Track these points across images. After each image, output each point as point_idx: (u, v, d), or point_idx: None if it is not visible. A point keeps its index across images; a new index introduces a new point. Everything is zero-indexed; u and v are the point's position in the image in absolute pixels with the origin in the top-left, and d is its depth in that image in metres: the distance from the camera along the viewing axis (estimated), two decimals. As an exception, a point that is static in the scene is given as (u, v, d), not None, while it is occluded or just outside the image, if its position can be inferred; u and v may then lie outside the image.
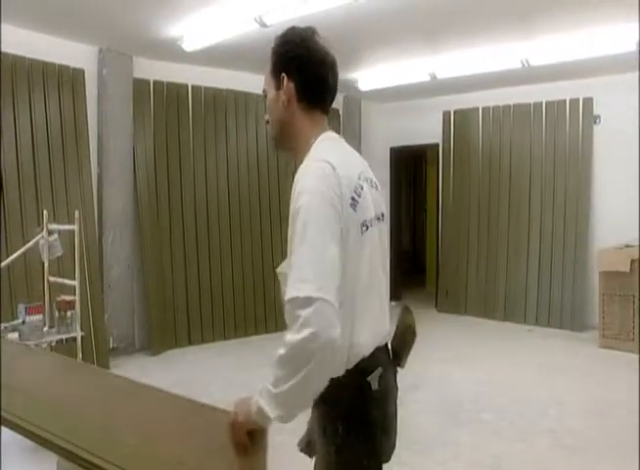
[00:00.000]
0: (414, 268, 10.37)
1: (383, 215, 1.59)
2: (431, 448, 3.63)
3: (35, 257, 4.35)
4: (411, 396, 4.66)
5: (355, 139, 8.37)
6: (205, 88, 6.46)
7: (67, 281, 4.19)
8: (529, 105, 7.23)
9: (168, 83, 6.18)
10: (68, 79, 5.39)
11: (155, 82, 6.10)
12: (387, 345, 1.57)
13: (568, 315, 6.90)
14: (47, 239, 4.04)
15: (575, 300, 6.87)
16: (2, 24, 4.51)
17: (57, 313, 4.04)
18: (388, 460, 1.56)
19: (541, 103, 7.13)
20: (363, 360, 1.45)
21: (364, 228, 1.45)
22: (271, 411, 1.28)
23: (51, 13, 4.72)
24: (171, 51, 5.63)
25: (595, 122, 6.83)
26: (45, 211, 4.23)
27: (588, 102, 6.84)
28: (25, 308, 3.85)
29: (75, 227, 4.10)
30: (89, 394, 1.84)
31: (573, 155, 6.95)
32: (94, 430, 1.75)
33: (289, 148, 1.61)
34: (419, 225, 10.79)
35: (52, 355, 2.69)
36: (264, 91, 1.62)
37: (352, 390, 1.43)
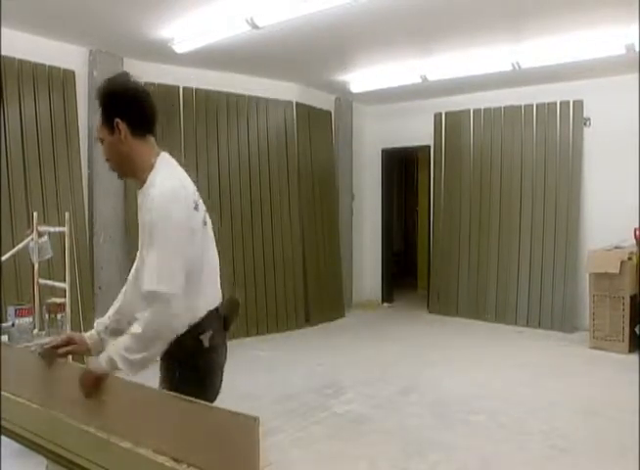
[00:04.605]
0: (406, 270, 10.39)
1: (206, 222, 2.02)
2: (422, 451, 3.63)
3: (25, 259, 4.32)
4: (404, 399, 4.67)
5: (347, 141, 8.39)
6: (197, 90, 6.46)
7: (57, 283, 4.15)
8: (520, 107, 7.26)
9: (159, 85, 6.16)
10: (59, 81, 5.36)
11: (145, 84, 6.04)
12: (220, 314, 2.00)
13: (558, 317, 6.94)
14: (37, 241, 4.01)
15: (566, 301, 6.90)
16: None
17: (47, 316, 3.99)
18: (211, 403, 1.86)
19: (532, 105, 7.17)
20: (199, 324, 1.91)
21: (204, 223, 1.96)
22: (124, 367, 1.76)
23: (40, 14, 4.69)
24: (162, 52, 5.61)
25: (585, 125, 6.87)
26: (35, 213, 4.19)
27: (578, 104, 6.88)
28: (15, 311, 3.81)
29: (66, 229, 4.06)
30: (79, 394, 1.82)
31: (564, 157, 6.99)
32: (86, 431, 1.73)
33: (132, 174, 1.96)
34: (410, 227, 10.80)
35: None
36: (100, 140, 1.95)
37: (189, 346, 1.90)
